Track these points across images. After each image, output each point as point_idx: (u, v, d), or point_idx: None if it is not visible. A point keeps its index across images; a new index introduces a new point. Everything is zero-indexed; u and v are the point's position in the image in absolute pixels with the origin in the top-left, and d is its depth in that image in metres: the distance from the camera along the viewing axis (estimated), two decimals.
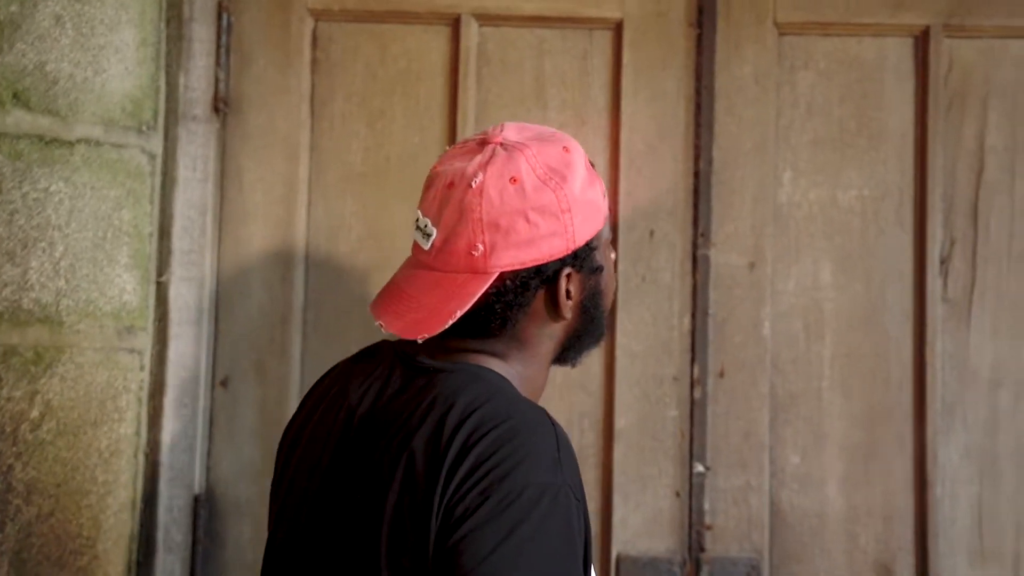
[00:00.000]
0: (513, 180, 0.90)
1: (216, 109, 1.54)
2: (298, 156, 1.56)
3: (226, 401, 1.54)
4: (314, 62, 1.59)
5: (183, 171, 1.48)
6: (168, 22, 1.47)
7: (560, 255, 0.93)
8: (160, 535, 1.43)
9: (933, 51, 1.57)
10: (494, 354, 0.96)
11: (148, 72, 1.42)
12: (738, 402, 1.54)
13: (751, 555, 1.52)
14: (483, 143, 0.96)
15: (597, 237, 0.98)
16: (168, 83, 1.47)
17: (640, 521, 1.52)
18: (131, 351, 1.39)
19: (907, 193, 1.57)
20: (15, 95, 1.30)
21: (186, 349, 1.49)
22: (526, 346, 0.97)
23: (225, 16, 1.55)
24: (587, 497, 1.50)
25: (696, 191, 1.56)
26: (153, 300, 1.44)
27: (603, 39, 1.59)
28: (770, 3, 1.57)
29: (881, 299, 1.56)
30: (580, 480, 0.91)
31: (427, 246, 0.95)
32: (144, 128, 1.42)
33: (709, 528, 1.52)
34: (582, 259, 0.95)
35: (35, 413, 1.28)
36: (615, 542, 1.51)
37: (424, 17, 1.58)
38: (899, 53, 1.59)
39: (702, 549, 1.52)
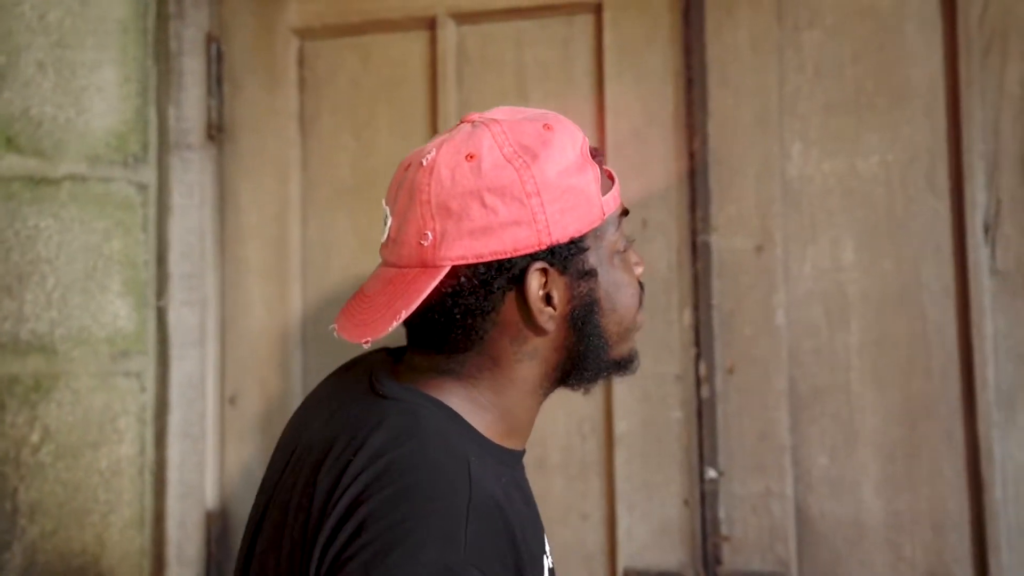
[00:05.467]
0: (470, 156, 0.77)
1: (210, 136, 1.58)
2: (289, 175, 1.58)
3: (235, 418, 1.57)
4: (301, 81, 1.60)
5: (178, 198, 1.53)
6: (156, 58, 1.52)
7: (529, 249, 0.76)
8: (172, 550, 1.48)
9: None
10: (460, 376, 0.81)
11: (133, 107, 1.49)
12: (752, 400, 1.40)
13: (776, 568, 1.37)
14: (461, 123, 0.85)
15: (592, 236, 0.81)
16: (159, 115, 1.52)
17: (647, 532, 1.42)
18: (128, 374, 1.45)
19: (939, 154, 1.38)
20: (8, 140, 1.39)
21: (191, 369, 1.54)
22: (499, 366, 0.81)
23: (214, 46, 1.59)
24: (592, 507, 1.44)
25: (692, 173, 1.44)
26: (153, 324, 1.49)
27: (584, 23, 1.51)
28: None
29: (915, 277, 1.38)
30: (508, 553, 0.73)
31: (384, 238, 0.82)
32: (130, 161, 1.48)
33: (726, 539, 1.39)
34: (563, 258, 0.79)
35: (35, 437, 1.36)
36: (621, 555, 1.42)
37: (402, 23, 1.56)
38: None
39: (719, 562, 1.39)
